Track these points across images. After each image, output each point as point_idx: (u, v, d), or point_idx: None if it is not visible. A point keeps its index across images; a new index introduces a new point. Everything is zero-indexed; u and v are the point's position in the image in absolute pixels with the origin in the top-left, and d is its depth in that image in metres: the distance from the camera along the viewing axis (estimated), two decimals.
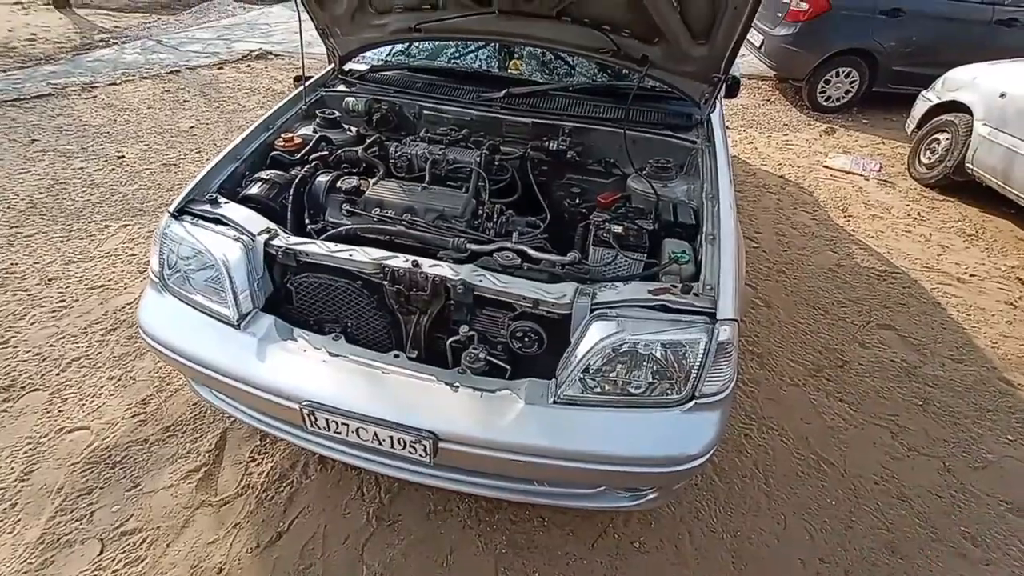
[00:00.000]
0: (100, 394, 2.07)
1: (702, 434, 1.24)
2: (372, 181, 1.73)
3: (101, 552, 1.57)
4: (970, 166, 3.87)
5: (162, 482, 1.77)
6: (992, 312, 2.93)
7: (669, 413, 1.24)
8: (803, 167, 4.60)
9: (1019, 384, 2.44)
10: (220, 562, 1.56)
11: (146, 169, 3.85)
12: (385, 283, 1.40)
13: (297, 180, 1.70)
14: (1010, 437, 2.18)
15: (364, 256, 1.40)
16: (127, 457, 1.84)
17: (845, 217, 3.86)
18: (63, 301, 2.52)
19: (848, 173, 4.53)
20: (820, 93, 5.66)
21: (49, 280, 2.65)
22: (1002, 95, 3.64)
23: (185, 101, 5.17)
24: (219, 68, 6.20)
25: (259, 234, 1.48)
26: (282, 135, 1.89)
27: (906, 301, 2.99)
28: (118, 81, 5.54)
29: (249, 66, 6.37)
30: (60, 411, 1.99)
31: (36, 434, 1.90)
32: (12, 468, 1.80)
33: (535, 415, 1.24)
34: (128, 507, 1.69)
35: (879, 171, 4.51)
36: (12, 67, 5.86)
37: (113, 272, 2.75)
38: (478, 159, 1.79)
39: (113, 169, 3.80)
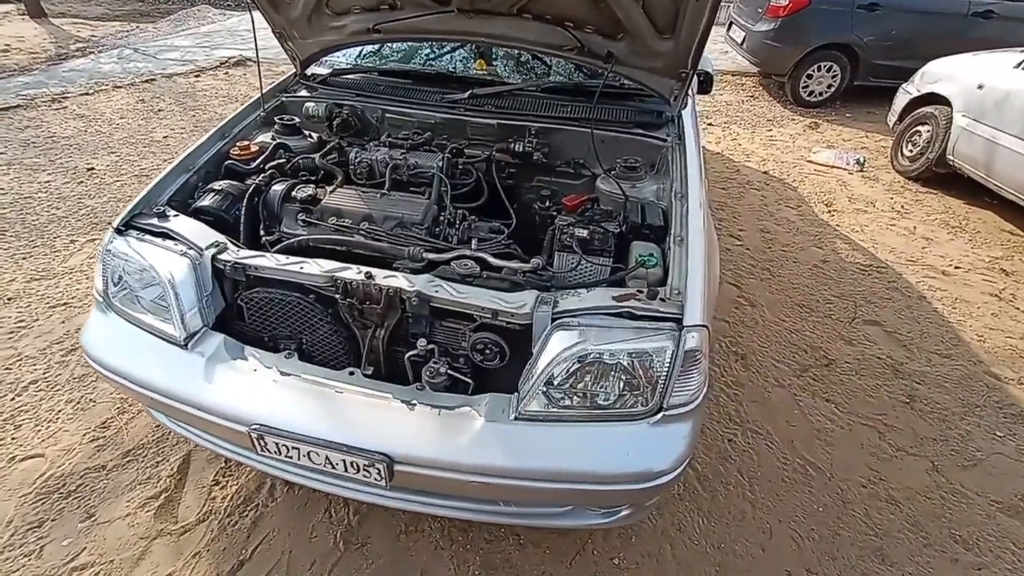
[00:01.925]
0: (57, 419, 1.98)
1: (671, 448, 1.17)
2: (329, 189, 1.66)
3: None
4: (951, 158, 3.85)
5: (118, 511, 1.68)
6: (977, 304, 2.90)
7: (636, 426, 1.18)
8: (787, 162, 4.57)
9: (1006, 378, 2.40)
10: None
11: (116, 181, 3.75)
12: (338, 296, 1.33)
13: (251, 190, 1.63)
14: (999, 433, 2.13)
15: (316, 268, 1.33)
16: (83, 485, 1.75)
17: (830, 212, 3.83)
18: (22, 321, 2.43)
19: (832, 167, 4.51)
20: (803, 88, 5.67)
21: (8, 300, 2.55)
22: (980, 86, 3.63)
23: (160, 110, 5.08)
24: (196, 76, 6.10)
25: (207, 248, 1.41)
26: (238, 143, 1.82)
27: (891, 296, 2.95)
28: (90, 91, 5.43)
29: (227, 73, 6.28)
30: (13, 438, 1.90)
31: None
32: None
33: (495, 433, 1.17)
34: (80, 540, 1.60)
35: (862, 165, 4.48)
36: None
37: (77, 289, 2.66)
38: (440, 163, 1.73)
39: (81, 182, 3.70)
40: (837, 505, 1.83)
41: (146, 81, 5.81)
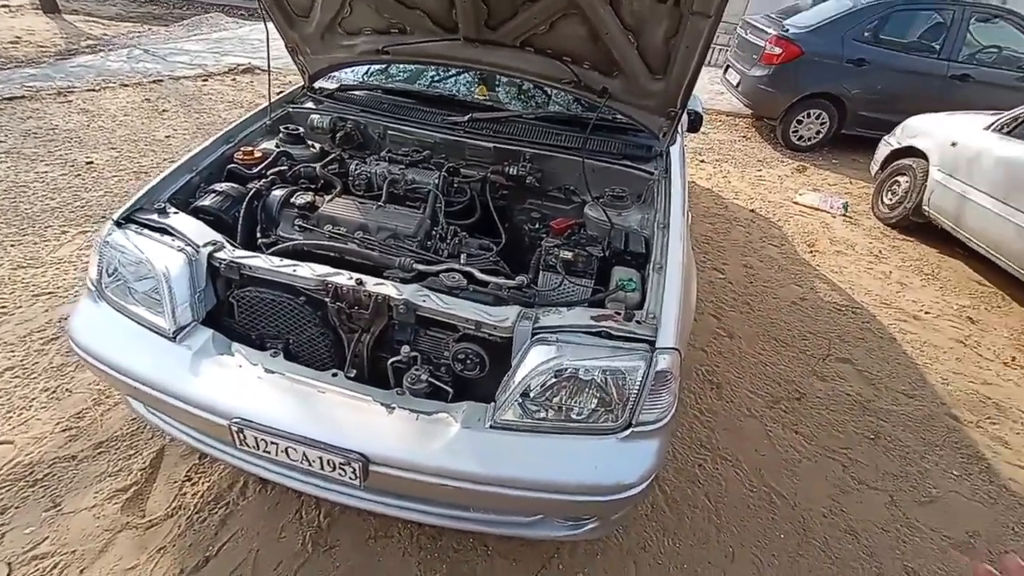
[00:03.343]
0: (31, 406, 1.97)
1: (639, 463, 1.22)
2: (327, 198, 1.73)
3: None
4: (926, 208, 4.04)
5: (85, 502, 1.67)
6: (944, 349, 3.01)
7: (605, 441, 1.23)
8: (774, 202, 4.74)
9: (966, 421, 2.50)
10: None
11: (114, 177, 3.78)
12: (328, 300, 1.38)
13: (251, 194, 1.68)
14: (955, 472, 2.21)
15: (308, 272, 1.39)
16: (50, 475, 1.74)
17: (811, 252, 3.97)
18: (4, 308, 2.42)
19: (816, 210, 4.69)
20: (793, 132, 5.90)
21: None
22: (953, 144, 3.83)
23: (165, 111, 5.14)
24: (204, 80, 6.20)
25: (204, 246, 1.45)
26: (242, 148, 1.88)
27: (864, 336, 3.05)
28: (97, 87, 5.48)
29: (234, 79, 6.38)
30: None
31: None
32: None
33: (470, 439, 1.22)
34: (43, 529, 1.58)
35: (844, 209, 4.66)
36: None
37: (64, 279, 2.66)
38: (437, 180, 1.80)
39: (79, 175, 3.72)
40: (798, 533, 1.88)
41: (154, 81, 5.89)
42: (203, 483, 1.77)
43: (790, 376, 2.66)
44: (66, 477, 1.74)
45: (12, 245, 2.87)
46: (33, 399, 2.00)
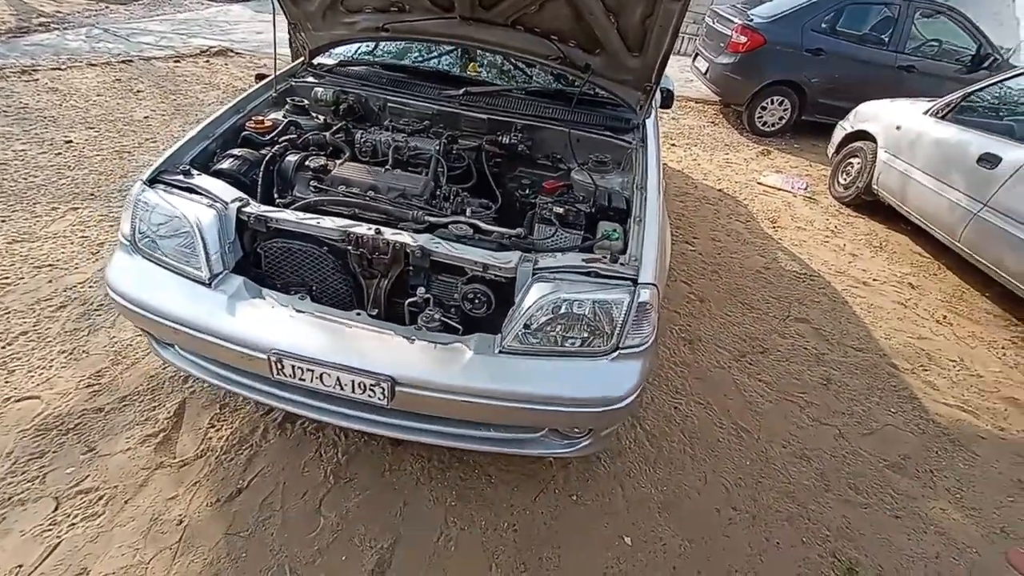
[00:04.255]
0: (50, 367, 2.06)
1: (625, 380, 1.44)
2: (338, 162, 1.88)
3: (56, 509, 1.59)
4: (875, 187, 4.41)
5: (119, 446, 1.79)
6: (887, 310, 3.36)
7: (597, 362, 1.44)
8: (740, 183, 5.05)
9: (903, 368, 2.84)
10: (180, 515, 1.62)
11: (96, 155, 3.77)
12: (349, 248, 1.54)
13: (268, 158, 1.82)
14: (892, 409, 2.54)
15: (331, 223, 1.54)
16: (81, 424, 1.85)
17: (774, 228, 4.29)
18: (7, 279, 2.47)
19: (779, 190, 5.02)
20: (758, 118, 6.23)
21: None
22: (898, 127, 4.20)
23: (139, 91, 5.07)
24: (175, 61, 6.10)
25: (232, 202, 1.59)
26: (253, 117, 2.00)
27: (820, 300, 3.38)
28: (62, 66, 5.35)
29: (208, 61, 6.29)
30: (7, 382, 1.97)
31: None
32: None
33: (483, 362, 1.41)
34: (83, 469, 1.71)
35: (805, 189, 5.02)
36: None
37: (62, 253, 2.71)
38: (438, 147, 1.97)
39: (59, 153, 3.70)
40: (761, 460, 2.16)
41: (123, 62, 5.77)
42: (226, 429, 1.91)
43: (755, 334, 2.95)
44: (96, 426, 1.85)
45: (3, 220, 2.88)
46: (52, 360, 2.08)
